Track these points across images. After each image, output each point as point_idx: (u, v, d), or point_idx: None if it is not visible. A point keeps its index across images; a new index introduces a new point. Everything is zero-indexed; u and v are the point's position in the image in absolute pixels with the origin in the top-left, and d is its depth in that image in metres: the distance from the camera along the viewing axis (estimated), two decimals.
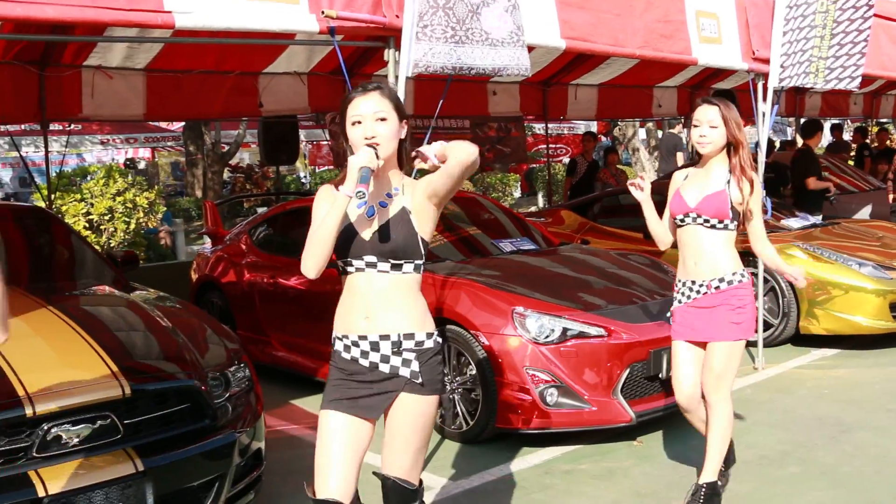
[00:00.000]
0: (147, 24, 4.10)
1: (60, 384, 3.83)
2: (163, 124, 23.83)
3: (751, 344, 7.32)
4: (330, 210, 2.94)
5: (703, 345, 4.41)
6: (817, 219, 9.07)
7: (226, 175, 20.50)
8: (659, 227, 4.55)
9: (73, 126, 11.92)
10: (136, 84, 8.91)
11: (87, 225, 12.44)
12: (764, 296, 7.55)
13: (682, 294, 4.45)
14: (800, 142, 12.11)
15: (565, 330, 5.47)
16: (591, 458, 5.35)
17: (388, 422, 3.13)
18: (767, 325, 7.69)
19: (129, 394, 3.90)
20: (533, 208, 17.69)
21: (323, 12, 4.44)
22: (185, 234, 15.32)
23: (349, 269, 3.08)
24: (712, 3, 6.37)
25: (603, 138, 21.23)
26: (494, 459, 5.39)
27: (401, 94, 4.72)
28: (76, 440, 3.78)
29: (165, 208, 15.54)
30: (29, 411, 3.65)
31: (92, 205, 12.70)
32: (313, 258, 2.98)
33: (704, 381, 4.38)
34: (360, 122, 3.00)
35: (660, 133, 21.22)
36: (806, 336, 7.74)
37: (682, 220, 4.41)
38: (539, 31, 5.29)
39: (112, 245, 12.32)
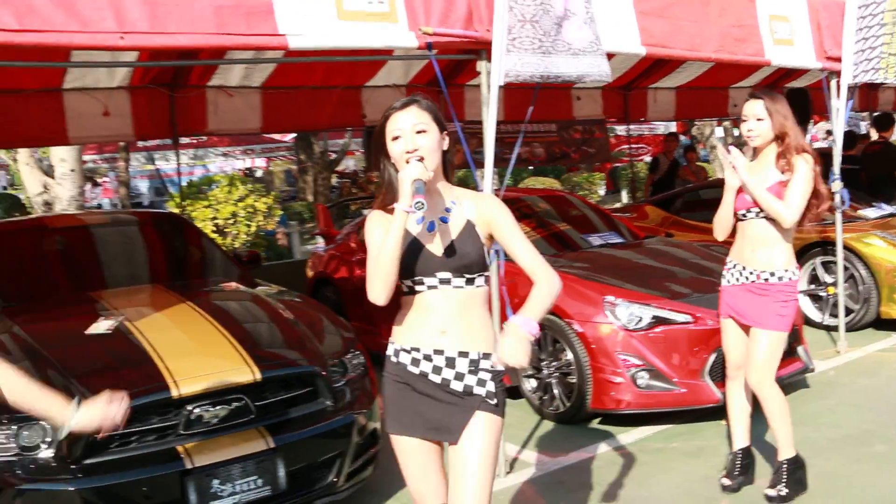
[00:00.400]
0: (265, 46, 4.17)
1: (200, 370, 4.00)
2: (276, 136, 24.31)
3: (832, 328, 7.15)
4: (390, 230, 2.64)
5: (746, 327, 4.33)
6: (894, 208, 8.76)
7: (334, 180, 20.82)
8: (729, 219, 4.38)
9: (199, 140, 12.27)
10: (254, 101, 9.12)
11: (214, 228, 12.74)
12: (844, 282, 7.34)
13: (732, 275, 4.36)
14: (874, 135, 11.70)
15: (654, 317, 5.43)
16: (682, 436, 5.29)
17: (459, 450, 2.77)
18: (849, 311, 7.45)
19: (260, 379, 4.04)
20: (617, 204, 17.46)
21: (421, 29, 4.47)
22: (300, 234, 15.59)
23: (418, 287, 2.77)
24: (784, 7, 6.20)
25: (682, 137, 20.85)
26: (590, 438, 5.38)
27: (493, 103, 4.74)
28: (216, 420, 3.95)
29: (281, 212, 15.84)
30: (175, 394, 3.84)
31: (217, 210, 13.01)
32: (381, 283, 2.68)
33: (749, 367, 4.26)
34: (399, 137, 2.72)
35: (736, 131, 20.76)
36: (887, 321, 7.47)
37: (744, 215, 4.29)
38: (621, 39, 5.23)
39: (236, 246, 12.60)
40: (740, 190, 4.28)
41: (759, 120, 4.19)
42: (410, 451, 2.85)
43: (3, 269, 5.55)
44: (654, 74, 11.45)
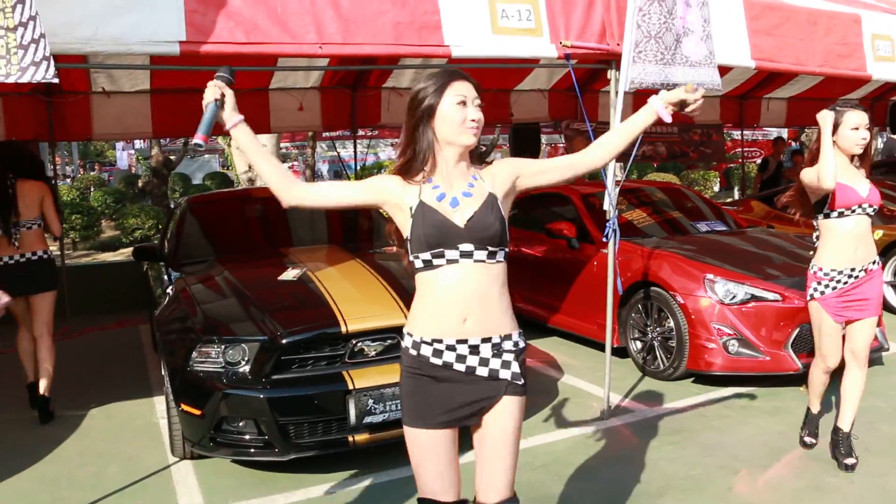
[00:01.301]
0: (433, 55, 4.37)
1: (364, 312, 4.27)
2: None
3: None
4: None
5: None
6: None
7: None
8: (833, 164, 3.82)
9: (371, 131, 12.71)
10: None
11: None
12: None
13: (838, 282, 3.97)
14: None
15: (747, 293, 5.41)
16: (763, 398, 5.25)
17: (483, 433, 2.44)
18: None
19: None
20: (729, 200, 16.95)
21: (561, 42, 4.58)
22: None
23: (437, 261, 2.34)
24: (887, 27, 5.96)
25: (792, 143, 19.92)
26: (683, 394, 5.41)
27: (619, 105, 4.81)
28: (373, 353, 4.22)
29: None
30: (343, 329, 4.13)
31: None
32: (272, 182, 2.46)
33: (858, 340, 4.03)
34: (464, 103, 2.37)
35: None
36: None
37: (851, 211, 3.94)
38: (734, 54, 5.19)
39: None
40: (840, 186, 3.90)
41: (868, 129, 3.95)
42: (427, 444, 2.41)
43: (217, 229, 6.06)
44: (768, 85, 11.13)
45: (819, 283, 4.03)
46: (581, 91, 9.86)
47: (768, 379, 5.43)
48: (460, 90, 2.37)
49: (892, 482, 3.89)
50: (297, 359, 4.09)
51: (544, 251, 7.07)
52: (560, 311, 6.83)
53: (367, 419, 4.04)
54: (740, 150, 16.73)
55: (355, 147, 10.65)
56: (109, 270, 8.64)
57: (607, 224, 4.81)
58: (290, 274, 4.79)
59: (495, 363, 2.39)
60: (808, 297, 4.11)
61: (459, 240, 2.34)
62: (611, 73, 4.86)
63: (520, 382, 2.41)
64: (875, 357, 5.97)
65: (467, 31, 4.31)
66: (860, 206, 3.97)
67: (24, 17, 3.04)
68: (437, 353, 2.38)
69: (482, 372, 2.38)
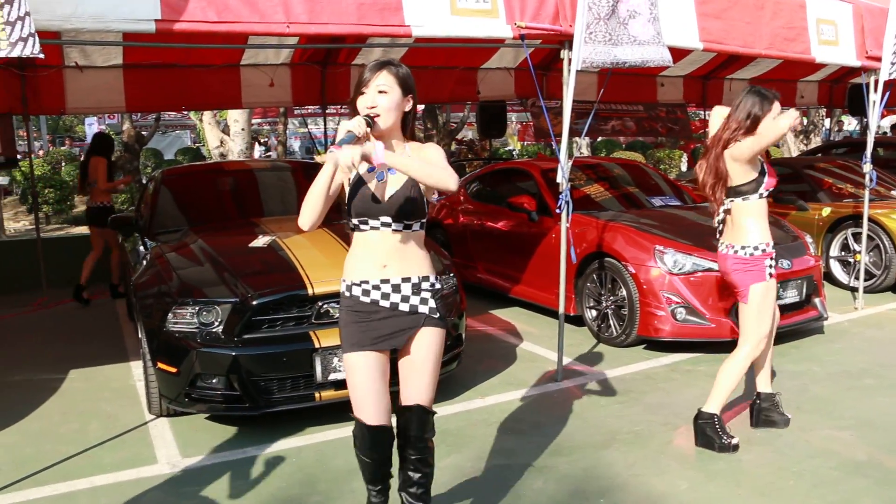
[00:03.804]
0: (394, 34, 4.57)
1: (330, 276, 4.48)
2: None
3: (855, 289, 7.26)
4: (321, 171, 2.68)
5: None
6: None
7: (453, 147, 21.26)
8: None
9: (342, 108, 12.85)
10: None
11: None
12: (869, 252, 7.43)
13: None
14: None
15: (694, 264, 5.74)
16: (708, 363, 5.59)
17: (406, 357, 2.87)
18: (870, 275, 7.57)
19: None
20: (691, 178, 17.36)
21: (516, 23, 4.82)
22: None
23: (363, 227, 2.78)
24: (832, 12, 6.27)
25: None
26: (634, 359, 5.76)
27: (571, 85, 5.07)
28: (338, 314, 4.44)
29: None
30: (310, 292, 4.39)
31: None
32: (309, 212, 2.70)
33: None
34: (365, 93, 2.72)
35: (804, 119, 20.21)
36: None
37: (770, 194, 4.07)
38: (683, 36, 5.44)
39: None
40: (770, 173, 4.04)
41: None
42: (358, 365, 2.81)
43: (192, 200, 6.28)
44: (729, 67, 11.50)
45: (771, 258, 4.01)
46: (546, 70, 10.22)
47: (712, 345, 5.79)
48: (363, 83, 2.74)
49: (815, 437, 4.25)
50: (266, 319, 4.36)
51: (506, 224, 7.38)
52: (521, 282, 7.15)
53: (333, 376, 4.33)
54: (704, 130, 17.10)
55: (325, 123, 10.85)
56: (84, 243, 8.79)
57: (560, 196, 5.10)
58: (260, 241, 5.04)
59: (415, 300, 2.81)
60: (767, 276, 3.99)
61: (381, 213, 2.75)
62: (563, 53, 5.12)
63: (436, 316, 2.84)
64: (816, 326, 6.36)
65: (427, 11, 4.54)
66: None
67: None
68: (366, 293, 2.80)
69: (404, 307, 2.80)
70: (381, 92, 2.71)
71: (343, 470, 3.91)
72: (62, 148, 28.91)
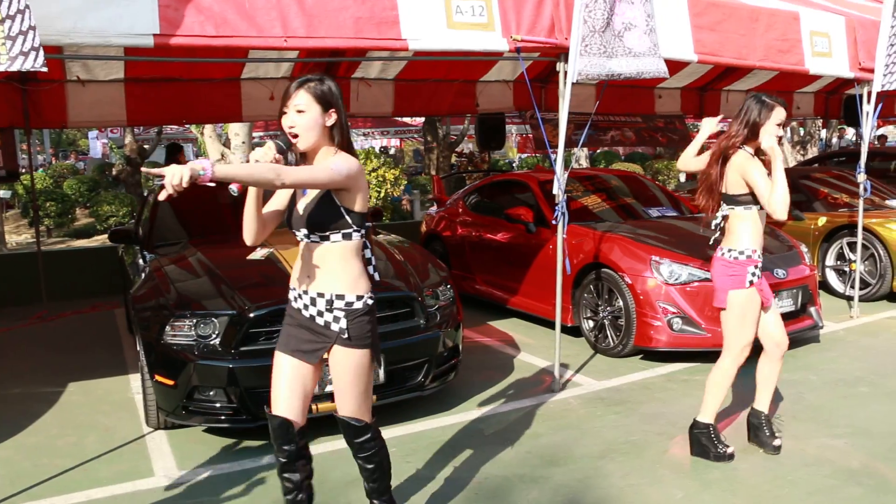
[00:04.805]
0: (391, 48, 4.61)
1: None
2: (408, 120, 24.97)
3: (851, 298, 7.26)
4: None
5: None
6: None
7: (453, 159, 21.30)
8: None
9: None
10: (388, 90, 9.65)
11: None
12: (864, 260, 7.44)
13: (760, 264, 3.98)
14: None
15: (690, 275, 5.75)
16: (704, 372, 5.44)
17: (332, 369, 2.96)
18: (865, 284, 7.58)
19: None
20: (689, 189, 17.39)
21: (512, 37, 4.85)
22: (421, 202, 16.19)
23: (297, 237, 2.94)
24: (825, 24, 6.30)
25: None
26: (631, 369, 5.76)
27: (567, 97, 5.09)
28: None
29: (406, 182, 16.44)
30: None
31: None
32: (246, 230, 2.92)
33: (780, 332, 4.11)
34: (286, 113, 2.79)
35: (801, 130, 20.31)
36: None
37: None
38: (678, 48, 5.45)
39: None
40: None
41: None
42: (281, 364, 2.95)
43: (191, 213, 6.29)
44: (726, 79, 11.51)
45: (756, 267, 3.92)
46: (544, 82, 10.24)
47: (709, 354, 5.73)
48: (284, 103, 2.80)
49: (810, 445, 4.25)
50: (264, 332, 4.37)
51: (504, 236, 7.40)
52: (518, 293, 7.16)
53: (329, 388, 4.31)
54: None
55: None
56: (84, 256, 8.83)
57: (556, 207, 5.12)
58: (258, 254, 5.05)
59: (328, 316, 2.86)
60: (747, 284, 3.90)
61: (299, 224, 2.87)
62: (559, 66, 5.13)
63: (345, 336, 2.86)
64: (812, 335, 6.36)
65: (423, 25, 4.56)
66: None
67: (12, 11, 3.28)
68: (295, 300, 2.95)
69: (319, 321, 2.88)
70: (299, 112, 2.77)
71: (341, 482, 3.91)
72: (66, 161, 29.01)
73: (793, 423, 4.53)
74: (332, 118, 2.81)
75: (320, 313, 2.86)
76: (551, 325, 6.03)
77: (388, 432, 4.51)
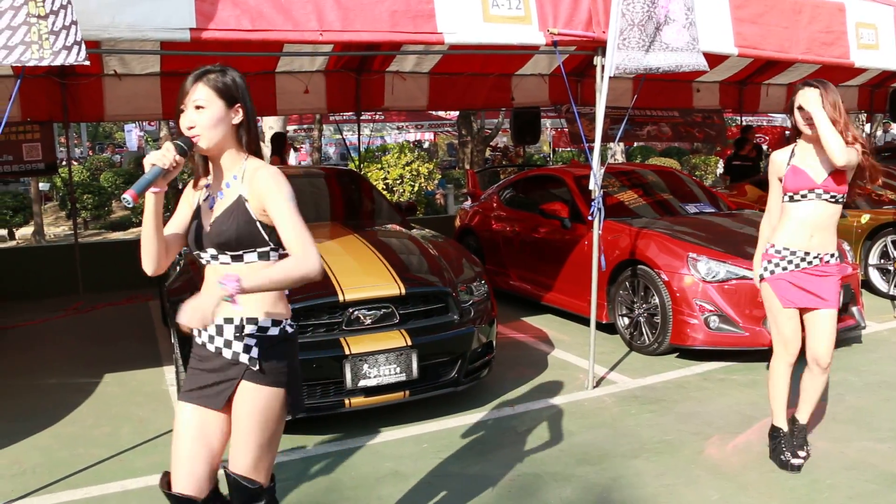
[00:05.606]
0: (426, 41, 4.60)
1: (361, 283, 4.57)
2: (442, 113, 24.99)
3: (891, 297, 7.12)
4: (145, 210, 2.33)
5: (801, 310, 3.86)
6: None
7: (487, 153, 21.29)
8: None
9: (377, 115, 12.93)
10: (423, 84, 9.70)
11: (384, 186, 13.46)
12: None
13: (790, 262, 3.78)
14: None
15: (728, 272, 5.67)
16: (741, 371, 5.53)
17: (233, 414, 2.38)
18: None
19: (404, 293, 4.59)
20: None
21: (549, 30, 4.83)
22: (455, 196, 16.19)
23: (202, 259, 2.43)
24: (872, 15, 6.16)
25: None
26: (666, 367, 5.70)
27: (604, 91, 5.06)
28: (369, 321, 4.51)
29: (440, 176, 16.46)
30: (341, 299, 4.43)
31: (388, 172, 13.72)
32: (144, 256, 2.40)
33: (820, 346, 3.80)
34: (184, 111, 2.35)
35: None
36: None
37: (802, 196, 3.75)
38: (718, 42, 5.38)
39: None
40: (793, 170, 3.79)
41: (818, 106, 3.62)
42: (181, 419, 2.43)
43: None
44: (766, 73, 11.36)
45: (770, 262, 3.83)
46: (580, 76, 10.19)
47: (746, 353, 5.71)
48: (181, 99, 2.36)
49: (851, 448, 4.17)
50: (298, 326, 4.38)
51: (539, 231, 7.37)
52: (553, 289, 7.12)
53: (362, 383, 4.35)
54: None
55: (359, 130, 10.93)
56: (120, 248, 8.96)
57: (592, 203, 5.08)
58: None
59: (237, 346, 2.35)
60: (759, 278, 3.92)
61: (207, 244, 2.38)
62: (597, 60, 5.10)
63: (255, 368, 2.35)
64: (854, 336, 6.24)
65: (460, 18, 4.55)
66: (813, 192, 3.73)
67: (56, 6, 3.35)
68: (199, 333, 2.45)
69: (227, 354, 2.37)
70: (198, 108, 2.33)
71: (371, 477, 3.93)
72: (103, 154, 29.50)
73: (833, 425, 4.45)
74: (238, 115, 2.38)
75: (227, 343, 2.36)
76: (586, 322, 6.01)
77: (420, 428, 4.58)
